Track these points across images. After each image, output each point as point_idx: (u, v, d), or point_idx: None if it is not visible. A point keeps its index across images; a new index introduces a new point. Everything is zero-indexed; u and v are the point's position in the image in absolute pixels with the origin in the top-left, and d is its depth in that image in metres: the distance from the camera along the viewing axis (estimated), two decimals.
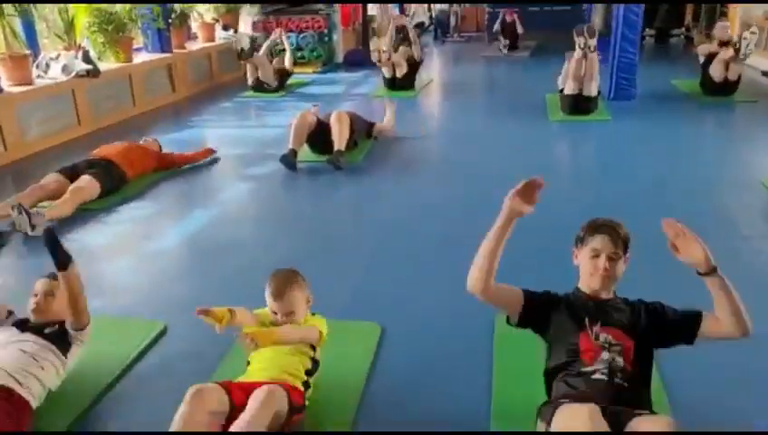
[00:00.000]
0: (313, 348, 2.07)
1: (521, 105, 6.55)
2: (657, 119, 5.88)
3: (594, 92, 5.77)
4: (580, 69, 5.60)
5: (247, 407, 1.75)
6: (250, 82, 7.49)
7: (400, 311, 2.65)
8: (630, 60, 6.33)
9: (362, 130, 5.14)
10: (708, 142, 5.32)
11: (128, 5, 6.49)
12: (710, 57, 6.46)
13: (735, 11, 8.55)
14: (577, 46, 5.61)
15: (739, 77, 6.31)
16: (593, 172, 4.60)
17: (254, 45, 7.37)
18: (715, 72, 6.32)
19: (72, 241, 3.45)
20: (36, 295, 2.19)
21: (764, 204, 3.74)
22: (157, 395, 2.14)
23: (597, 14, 7.48)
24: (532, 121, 5.92)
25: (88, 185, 3.93)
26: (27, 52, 5.52)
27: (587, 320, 1.85)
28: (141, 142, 4.73)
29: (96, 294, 2.56)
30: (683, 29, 11.00)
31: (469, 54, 10.71)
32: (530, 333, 1.98)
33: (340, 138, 4.61)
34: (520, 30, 10.28)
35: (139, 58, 6.96)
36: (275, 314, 2.05)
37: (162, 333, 2.51)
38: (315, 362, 2.07)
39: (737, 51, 6.18)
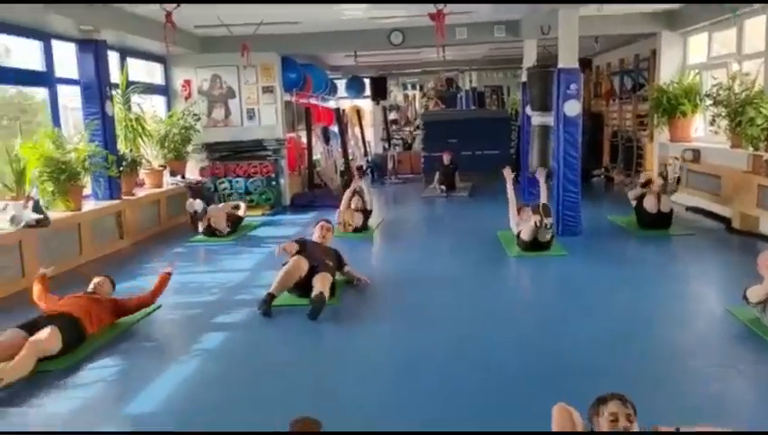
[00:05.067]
0: None
1: (478, 242, 6.74)
2: (607, 253, 6.20)
3: (549, 238, 6.00)
4: (534, 232, 5.87)
5: None
6: (201, 229, 7.43)
7: None
8: (574, 199, 6.76)
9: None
10: (664, 274, 5.45)
11: (81, 155, 6.42)
12: (640, 197, 7.01)
13: (653, 153, 9.47)
14: (533, 222, 5.77)
15: (671, 210, 6.83)
16: (569, 306, 4.66)
17: (207, 207, 7.44)
18: (649, 204, 6.81)
19: (37, 407, 3.11)
20: None
21: (737, 330, 3.90)
22: None
23: (534, 156, 8.00)
24: (492, 257, 6.08)
25: (48, 337, 3.60)
26: None
27: None
28: (93, 285, 4.42)
29: None
30: (602, 169, 12.03)
31: (410, 195, 11.12)
32: None
33: (324, 289, 4.52)
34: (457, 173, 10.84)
35: (89, 206, 6.78)
36: None
37: None
38: None
39: (665, 179, 6.75)
